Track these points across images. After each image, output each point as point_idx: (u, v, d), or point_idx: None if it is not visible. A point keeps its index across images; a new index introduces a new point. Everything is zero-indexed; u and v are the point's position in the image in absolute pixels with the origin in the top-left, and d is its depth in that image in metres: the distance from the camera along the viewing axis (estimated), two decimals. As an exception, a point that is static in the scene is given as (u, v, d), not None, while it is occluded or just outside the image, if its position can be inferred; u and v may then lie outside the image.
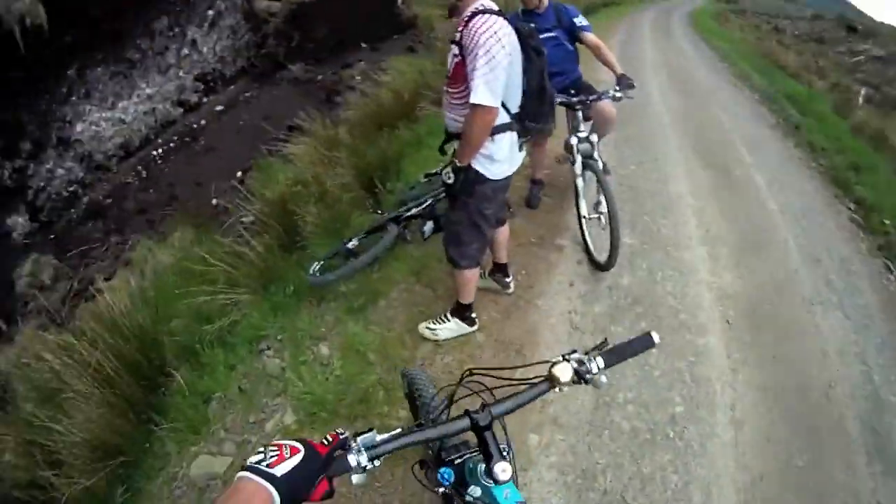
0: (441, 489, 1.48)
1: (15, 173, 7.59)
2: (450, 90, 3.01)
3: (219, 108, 9.06)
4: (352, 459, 1.20)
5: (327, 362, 4.10)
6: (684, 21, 24.06)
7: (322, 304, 4.53)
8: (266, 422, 3.87)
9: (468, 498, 1.43)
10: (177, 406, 3.98)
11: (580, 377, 1.42)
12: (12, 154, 7.60)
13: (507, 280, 4.30)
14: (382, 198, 5.44)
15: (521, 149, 3.19)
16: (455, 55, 2.84)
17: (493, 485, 1.36)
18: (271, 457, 1.05)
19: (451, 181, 3.09)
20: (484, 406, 1.38)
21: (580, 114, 4.56)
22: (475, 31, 2.64)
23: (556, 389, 1.40)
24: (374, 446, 1.24)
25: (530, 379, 1.47)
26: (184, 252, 5.27)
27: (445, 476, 1.44)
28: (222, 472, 3.66)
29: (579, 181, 4.53)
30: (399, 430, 1.31)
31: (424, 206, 4.57)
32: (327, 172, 5.48)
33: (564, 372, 1.39)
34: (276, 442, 1.10)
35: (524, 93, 3.02)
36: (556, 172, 5.99)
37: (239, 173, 6.26)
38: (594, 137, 4.58)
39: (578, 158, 4.50)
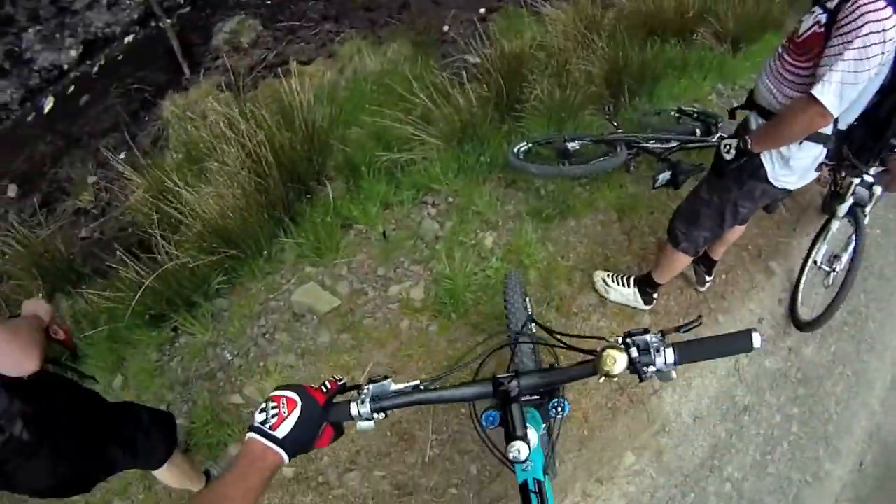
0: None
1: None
2: (788, 58, 2.29)
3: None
4: (353, 409, 1.15)
5: (485, 256, 3.47)
6: None
7: (509, 189, 3.85)
8: (392, 284, 3.36)
9: None
10: (313, 222, 3.55)
11: (637, 370, 1.08)
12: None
13: (707, 279, 3.60)
14: (622, 110, 4.46)
15: (818, 169, 2.58)
16: (819, 23, 2.11)
17: None
18: (272, 416, 1.06)
19: (728, 157, 2.49)
20: (516, 374, 1.19)
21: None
22: (862, 16, 1.92)
23: (601, 379, 1.10)
24: (383, 397, 1.17)
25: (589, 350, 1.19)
26: (393, 66, 4.65)
27: (490, 419, 1.23)
28: (323, 312, 3.25)
29: (834, 223, 3.60)
30: (414, 384, 1.20)
31: (667, 146, 3.77)
32: (576, 52, 4.55)
33: (616, 363, 1.06)
34: (274, 395, 1.09)
35: (864, 115, 2.36)
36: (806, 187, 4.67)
37: (483, 10, 5.44)
38: (878, 190, 3.54)
39: (849, 201, 3.53)
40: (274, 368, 3.04)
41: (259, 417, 1.07)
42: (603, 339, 1.17)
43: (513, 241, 3.49)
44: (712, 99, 5.02)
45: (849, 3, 1.94)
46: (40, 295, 1.92)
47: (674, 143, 3.73)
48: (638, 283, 3.29)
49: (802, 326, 3.60)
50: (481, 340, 3.03)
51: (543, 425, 1.39)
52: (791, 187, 2.54)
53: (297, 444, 1.06)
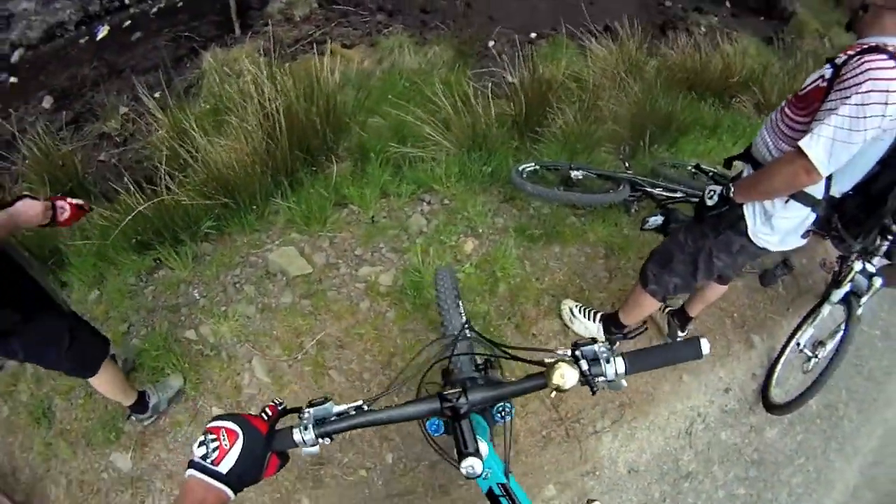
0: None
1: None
2: (788, 111, 2.15)
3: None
4: (297, 436, 1.08)
5: (461, 259, 3.50)
6: None
7: (504, 204, 3.92)
8: (364, 265, 3.42)
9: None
10: (309, 193, 3.68)
11: (588, 382, 1.08)
12: None
13: (680, 333, 3.43)
14: (639, 154, 4.45)
15: (805, 236, 2.38)
16: (822, 78, 1.96)
17: None
18: (213, 450, 0.98)
19: (710, 203, 2.39)
20: (463, 390, 1.15)
21: (888, 246, 3.11)
22: (866, 72, 1.77)
23: (553, 394, 1.07)
24: (326, 421, 1.11)
25: (537, 359, 1.18)
26: (430, 68, 4.79)
27: (433, 427, 1.23)
28: (293, 275, 3.33)
29: (825, 308, 3.38)
30: (357, 405, 1.15)
31: (671, 195, 3.71)
32: (609, 91, 4.57)
33: (567, 378, 1.04)
34: (212, 426, 1.02)
35: (858, 187, 2.21)
36: (809, 268, 4.51)
37: (534, 35, 5.50)
38: (878, 281, 3.29)
39: (846, 287, 3.31)
40: (232, 315, 3.14)
41: (199, 452, 0.98)
42: (549, 350, 1.15)
43: (492, 252, 3.51)
44: (737, 164, 4.95)
45: (854, 58, 1.81)
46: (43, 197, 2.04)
47: (679, 195, 3.67)
48: (604, 320, 3.21)
49: (772, 408, 3.44)
50: (416, 352, 2.95)
51: (490, 429, 1.33)
52: (772, 248, 2.37)
53: (241, 478, 0.99)
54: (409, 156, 3.98)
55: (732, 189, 2.27)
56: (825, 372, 3.16)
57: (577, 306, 3.32)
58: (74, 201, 2.12)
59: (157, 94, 4.28)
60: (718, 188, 2.34)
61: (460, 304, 2.19)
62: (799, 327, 3.51)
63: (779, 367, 3.57)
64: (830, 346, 3.34)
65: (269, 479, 2.70)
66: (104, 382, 2.49)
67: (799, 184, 2.00)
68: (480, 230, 3.61)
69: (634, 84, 4.70)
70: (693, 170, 4.17)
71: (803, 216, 2.24)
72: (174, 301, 3.27)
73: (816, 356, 3.39)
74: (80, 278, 3.44)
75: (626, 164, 4.05)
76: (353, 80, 4.58)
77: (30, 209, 1.94)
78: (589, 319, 3.25)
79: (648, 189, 3.69)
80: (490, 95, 4.13)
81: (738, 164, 2.59)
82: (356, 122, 4.20)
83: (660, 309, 3.43)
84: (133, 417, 2.82)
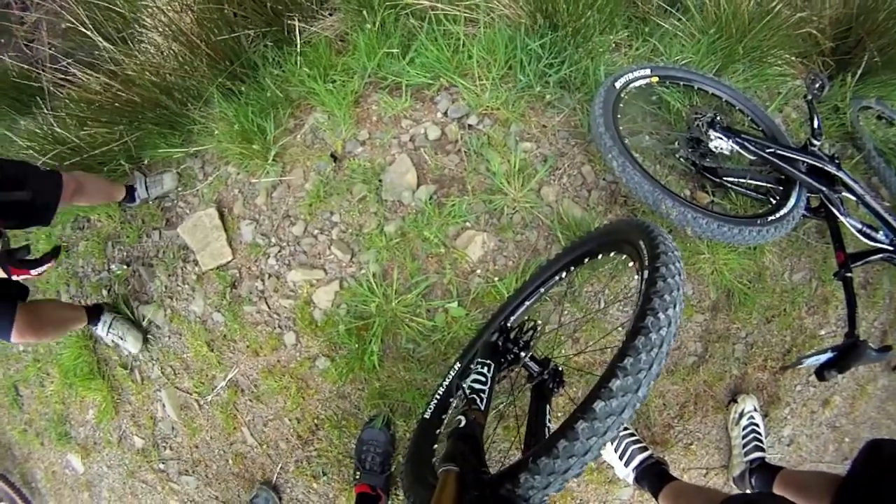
0: None
1: None
2: None
3: None
4: None
5: (449, 283, 1.76)
6: None
7: (574, 143, 1.85)
8: (299, 263, 1.89)
9: None
10: (253, 91, 2.05)
11: None
12: None
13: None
14: (836, 87, 1.87)
15: None
16: None
17: None
18: None
19: None
20: None
21: None
22: None
23: None
24: None
25: None
26: None
27: None
28: (206, 267, 2.00)
29: None
30: None
31: (871, 237, 1.68)
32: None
33: None
34: None
35: None
36: None
37: None
38: None
39: None
40: (139, 316, 2.07)
41: None
42: None
43: (509, 272, 1.72)
44: None
45: None
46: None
47: (882, 239, 1.64)
48: (643, 471, 1.56)
49: None
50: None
51: None
52: None
53: None
54: (434, 13, 1.93)
55: None
56: None
57: (635, 446, 1.64)
58: (40, 269, 1.60)
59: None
60: None
61: None
62: None
63: None
64: None
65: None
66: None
67: None
68: (506, 211, 1.77)
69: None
70: None
71: None
72: (101, 267, 2.22)
73: None
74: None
75: (815, 123, 1.69)
76: None
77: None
78: (621, 456, 1.61)
79: (839, 212, 1.63)
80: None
81: None
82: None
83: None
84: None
